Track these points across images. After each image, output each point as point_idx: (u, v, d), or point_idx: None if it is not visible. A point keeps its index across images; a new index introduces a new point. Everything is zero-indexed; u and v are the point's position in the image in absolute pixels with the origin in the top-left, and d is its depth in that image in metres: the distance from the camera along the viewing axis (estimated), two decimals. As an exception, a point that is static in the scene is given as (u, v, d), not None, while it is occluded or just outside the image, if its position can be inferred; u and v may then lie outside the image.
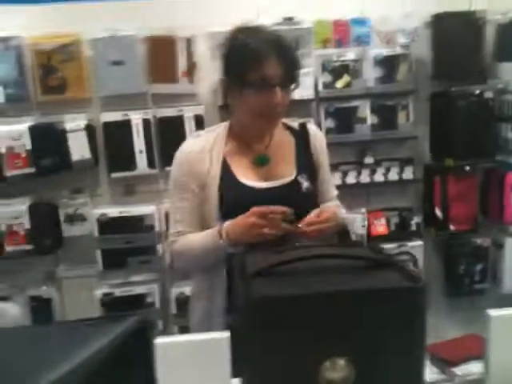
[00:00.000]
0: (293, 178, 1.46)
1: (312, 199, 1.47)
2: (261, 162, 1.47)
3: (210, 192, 1.43)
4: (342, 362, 0.88)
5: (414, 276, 0.92)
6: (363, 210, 1.25)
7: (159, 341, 0.87)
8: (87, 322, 0.95)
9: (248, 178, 1.44)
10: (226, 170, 1.44)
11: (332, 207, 1.51)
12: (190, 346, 0.87)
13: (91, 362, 0.83)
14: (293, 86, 1.40)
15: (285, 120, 1.56)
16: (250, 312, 0.85)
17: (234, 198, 1.42)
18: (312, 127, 1.60)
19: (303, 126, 1.56)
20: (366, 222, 1.35)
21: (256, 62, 1.32)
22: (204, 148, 1.46)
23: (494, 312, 0.98)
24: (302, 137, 1.54)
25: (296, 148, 1.52)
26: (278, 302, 0.85)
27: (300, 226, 1.35)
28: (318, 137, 1.57)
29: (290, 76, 1.37)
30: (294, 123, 1.57)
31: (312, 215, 1.37)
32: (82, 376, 0.80)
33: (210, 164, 1.44)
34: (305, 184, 1.46)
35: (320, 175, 1.54)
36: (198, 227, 1.45)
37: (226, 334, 0.89)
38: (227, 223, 1.38)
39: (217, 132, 1.50)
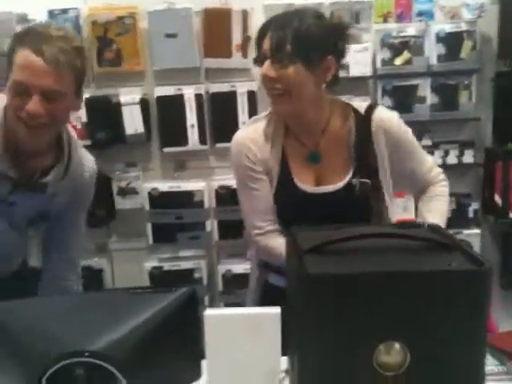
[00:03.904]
0: (346, 181, 1.42)
1: (366, 201, 1.43)
2: (313, 160, 1.45)
3: (271, 183, 1.44)
4: (396, 345, 0.84)
5: (479, 259, 0.86)
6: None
7: (208, 313, 0.85)
8: (138, 291, 0.96)
9: (302, 178, 1.44)
10: (284, 166, 1.44)
11: None
12: (239, 320, 0.85)
13: (142, 329, 0.83)
14: (290, 61, 1.32)
15: (353, 103, 1.48)
16: (303, 290, 0.82)
17: (286, 198, 1.44)
18: (378, 114, 1.44)
19: (368, 113, 1.44)
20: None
21: (258, 39, 1.38)
22: (262, 134, 1.45)
23: None
24: (364, 125, 1.43)
25: (355, 139, 1.43)
26: (333, 281, 0.81)
27: None
28: (384, 124, 1.43)
29: (281, 51, 1.31)
30: (362, 107, 1.46)
31: None
32: (132, 342, 0.81)
33: (270, 152, 1.43)
34: (359, 186, 1.42)
35: (398, 164, 1.46)
36: (274, 213, 1.45)
37: (277, 310, 0.86)
38: None
39: (269, 120, 1.46)
